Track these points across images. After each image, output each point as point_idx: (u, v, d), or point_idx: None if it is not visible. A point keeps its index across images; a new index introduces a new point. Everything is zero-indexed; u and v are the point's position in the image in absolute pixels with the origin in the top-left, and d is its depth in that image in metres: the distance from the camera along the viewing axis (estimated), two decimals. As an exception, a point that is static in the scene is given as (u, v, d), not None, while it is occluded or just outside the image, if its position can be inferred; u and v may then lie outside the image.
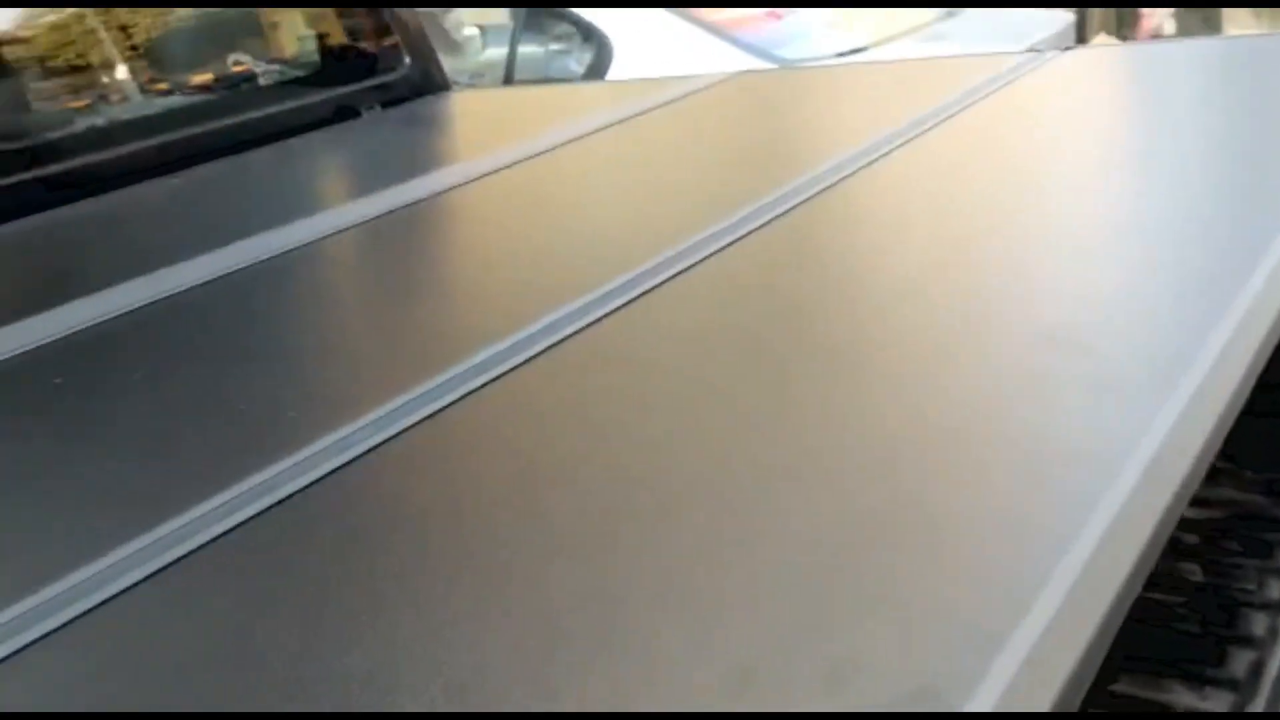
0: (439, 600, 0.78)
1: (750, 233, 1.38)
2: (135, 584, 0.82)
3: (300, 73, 2.74)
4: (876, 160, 1.61)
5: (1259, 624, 1.40)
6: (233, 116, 2.44)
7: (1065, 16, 4.92)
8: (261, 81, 2.64)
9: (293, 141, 2.43)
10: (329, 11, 2.78)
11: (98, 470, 1.04)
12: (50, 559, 0.87)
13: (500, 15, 4.59)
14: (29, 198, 2.02)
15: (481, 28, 4.89)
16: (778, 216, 1.43)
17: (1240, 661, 1.33)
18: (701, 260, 1.31)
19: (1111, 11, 5.46)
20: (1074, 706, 0.65)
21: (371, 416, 1.03)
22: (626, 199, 1.75)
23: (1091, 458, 0.84)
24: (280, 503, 0.90)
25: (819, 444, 0.92)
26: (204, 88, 2.59)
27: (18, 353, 1.32)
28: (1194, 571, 1.49)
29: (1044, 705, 0.62)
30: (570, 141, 2.06)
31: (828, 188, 1.52)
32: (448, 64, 4.28)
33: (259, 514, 0.89)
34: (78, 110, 2.38)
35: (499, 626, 0.73)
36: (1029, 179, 1.54)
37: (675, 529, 0.82)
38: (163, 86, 2.56)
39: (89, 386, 1.23)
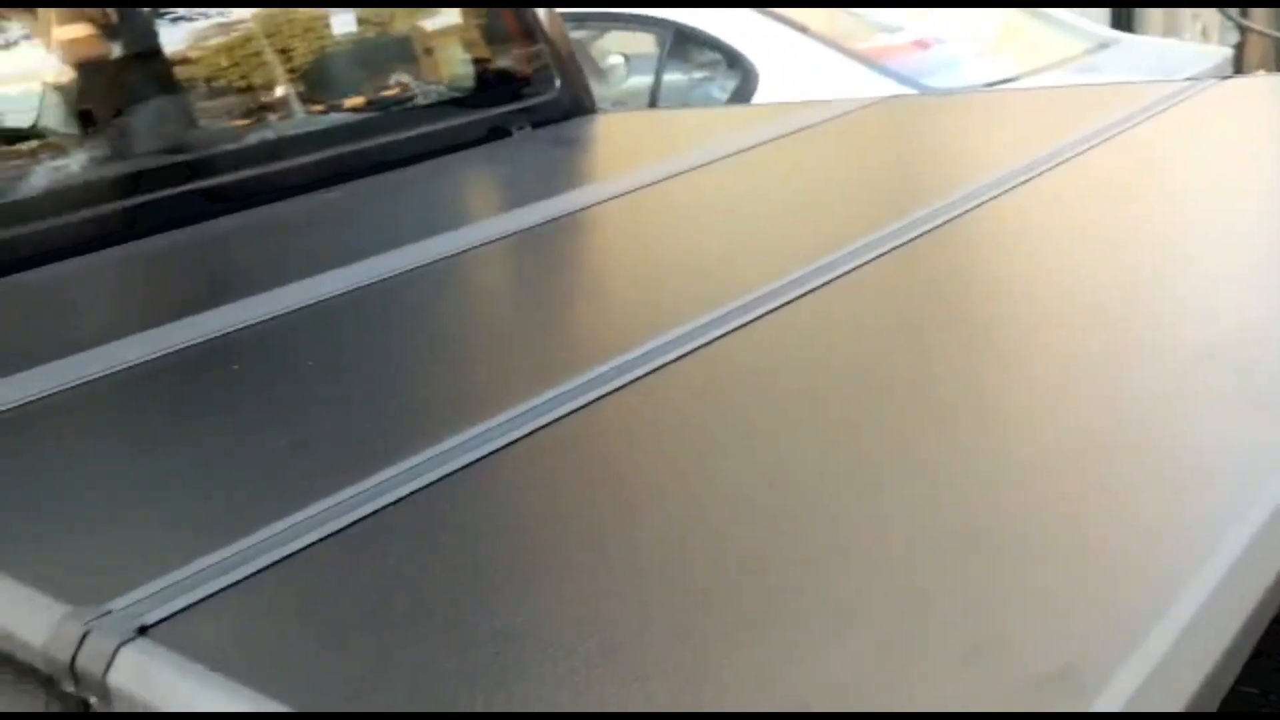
0: (600, 566, 0.81)
1: (905, 243, 1.40)
2: (322, 539, 0.88)
3: (456, 94, 2.83)
4: (1034, 178, 1.61)
5: None
6: (392, 135, 2.55)
7: (1222, 51, 4.80)
8: (419, 102, 2.74)
9: (448, 158, 2.53)
10: (484, 35, 2.88)
11: (282, 441, 1.11)
12: (249, 514, 0.94)
13: (646, 44, 4.67)
14: (205, 206, 2.15)
15: (626, 56, 4.98)
16: (933, 229, 1.44)
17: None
18: (861, 265, 1.34)
19: (1270, 46, 5.30)
20: (1212, 706, 0.65)
21: (532, 403, 1.08)
22: (783, 213, 1.78)
23: (1240, 472, 0.84)
24: (451, 474, 0.96)
25: (976, 446, 0.94)
26: (365, 107, 2.70)
27: (197, 342, 1.40)
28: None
29: (1183, 695, 0.63)
30: (712, 162, 2.10)
31: (985, 202, 1.53)
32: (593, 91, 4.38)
33: (432, 483, 0.95)
34: (249, 127, 2.51)
35: (656, 594, 0.77)
36: (1188, 202, 1.52)
37: (832, 513, 0.85)
38: (325, 106, 2.69)
39: (265, 372, 1.31)
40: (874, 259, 1.38)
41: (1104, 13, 7.89)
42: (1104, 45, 4.72)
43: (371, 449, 1.04)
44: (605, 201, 1.98)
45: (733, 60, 4.16)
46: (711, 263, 1.57)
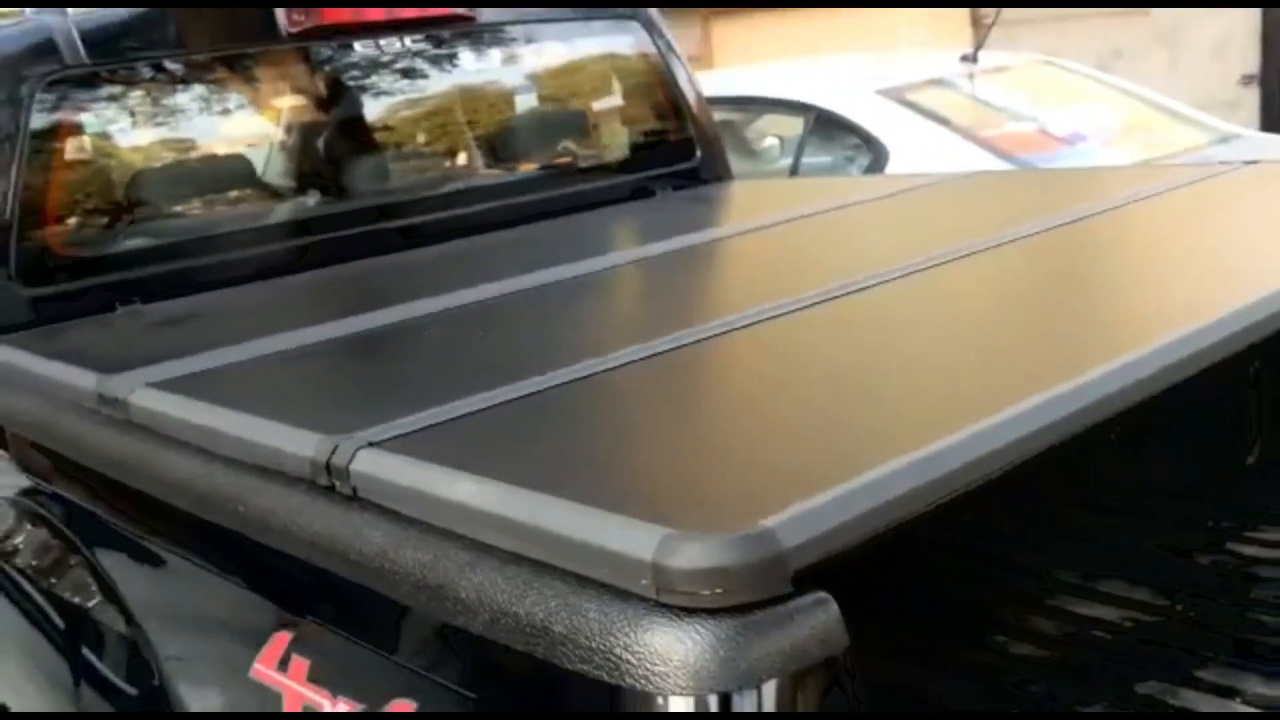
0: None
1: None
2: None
3: (612, 159, 3.42)
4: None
5: None
6: (556, 191, 3.16)
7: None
8: (581, 165, 3.34)
9: (603, 210, 3.11)
10: (638, 111, 3.46)
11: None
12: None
13: (796, 128, 5.19)
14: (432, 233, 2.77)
15: (781, 139, 5.52)
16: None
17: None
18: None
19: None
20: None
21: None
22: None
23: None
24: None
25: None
26: (538, 169, 3.31)
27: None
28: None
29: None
30: (822, 213, 2.60)
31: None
32: (748, 168, 4.93)
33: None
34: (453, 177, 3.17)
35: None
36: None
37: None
38: (505, 166, 3.31)
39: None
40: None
41: (1251, 104, 8.07)
42: (1224, 139, 5.04)
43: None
44: (725, 238, 2.52)
45: (868, 141, 4.65)
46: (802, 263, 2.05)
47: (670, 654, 0.93)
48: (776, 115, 5.13)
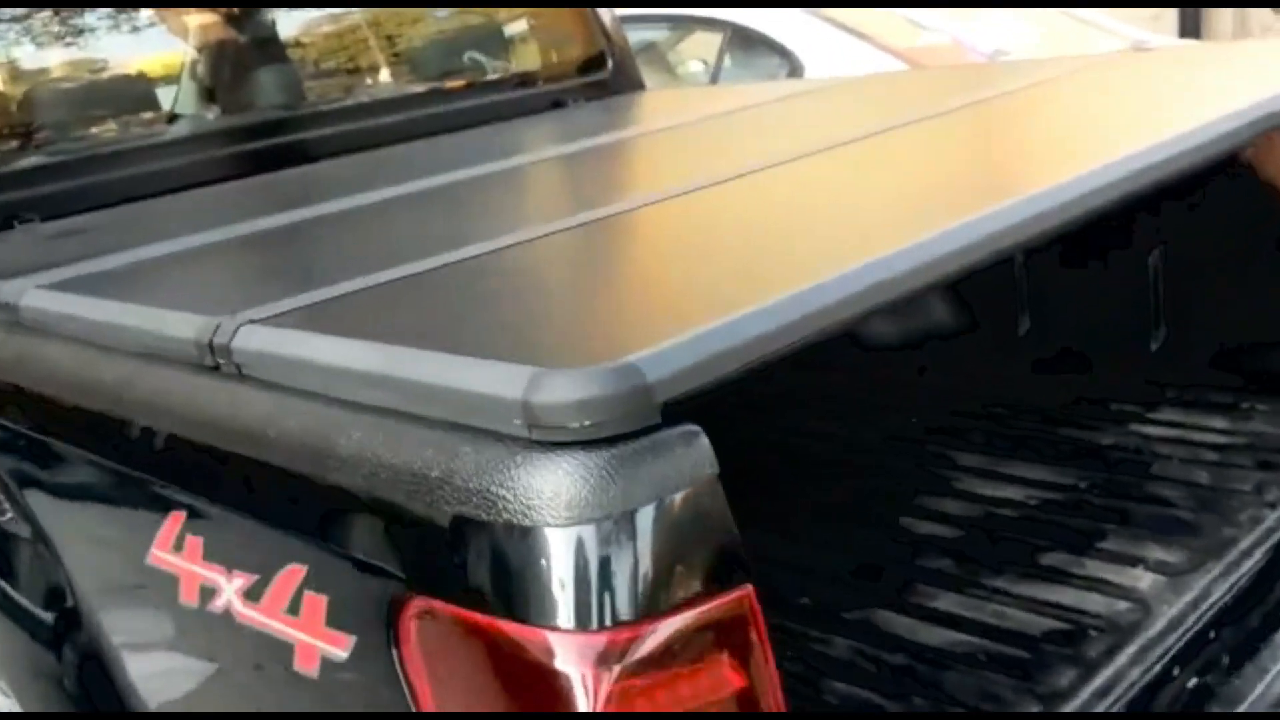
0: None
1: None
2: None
3: (523, 71, 3.39)
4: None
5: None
6: (468, 103, 3.12)
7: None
8: (493, 78, 3.30)
9: (514, 121, 3.08)
10: (550, 24, 3.42)
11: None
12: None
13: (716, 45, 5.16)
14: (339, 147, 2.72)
15: (705, 62, 5.50)
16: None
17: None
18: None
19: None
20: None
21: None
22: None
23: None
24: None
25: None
26: (449, 82, 3.26)
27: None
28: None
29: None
30: (723, 114, 2.60)
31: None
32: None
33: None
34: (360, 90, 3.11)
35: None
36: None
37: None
38: (418, 79, 3.26)
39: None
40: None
41: (1172, 15, 8.15)
42: (1140, 47, 5.08)
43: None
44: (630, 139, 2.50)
45: (784, 56, 4.64)
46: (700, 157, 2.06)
47: (543, 487, 0.94)
48: (696, 33, 5.11)
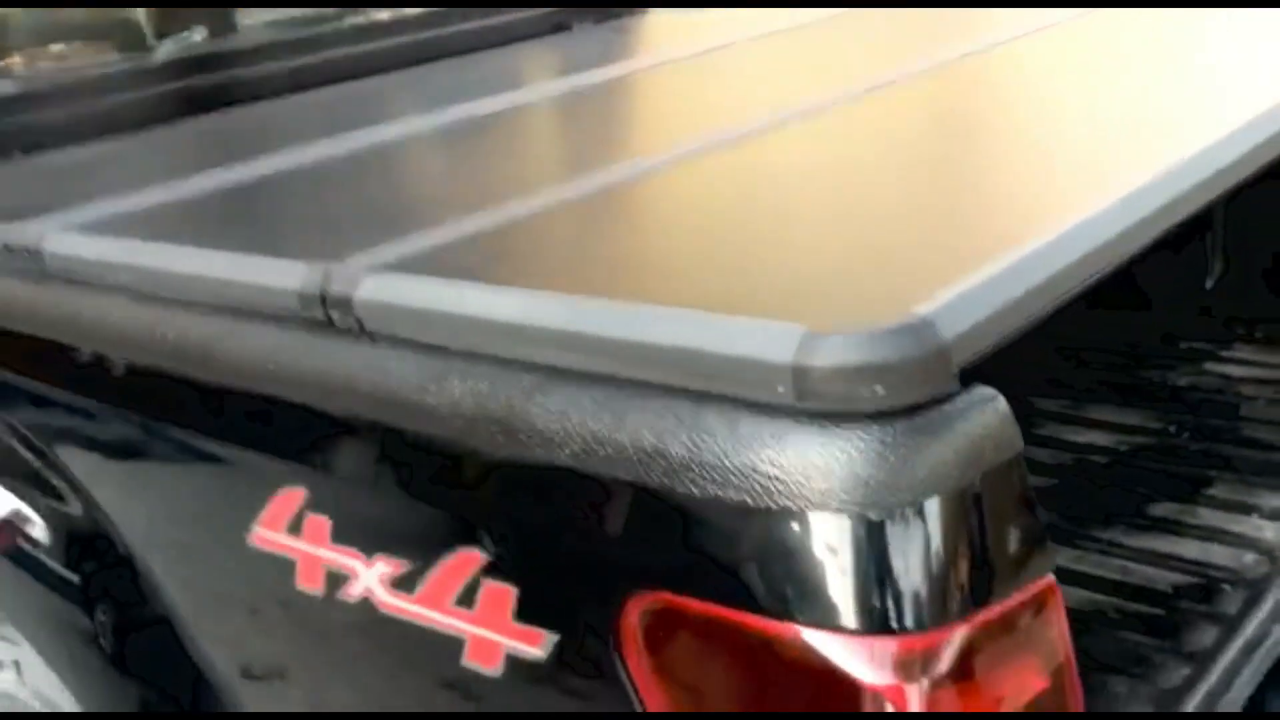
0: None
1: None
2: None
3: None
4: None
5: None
6: (467, 25, 2.91)
7: None
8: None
9: (520, 45, 2.88)
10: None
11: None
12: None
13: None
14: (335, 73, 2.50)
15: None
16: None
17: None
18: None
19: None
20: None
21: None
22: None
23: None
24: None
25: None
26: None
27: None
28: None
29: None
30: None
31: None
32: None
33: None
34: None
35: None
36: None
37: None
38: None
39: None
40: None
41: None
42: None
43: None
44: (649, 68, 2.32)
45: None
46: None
47: (831, 466, 0.79)
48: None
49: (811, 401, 0.81)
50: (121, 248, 1.42)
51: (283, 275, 1.19)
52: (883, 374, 0.80)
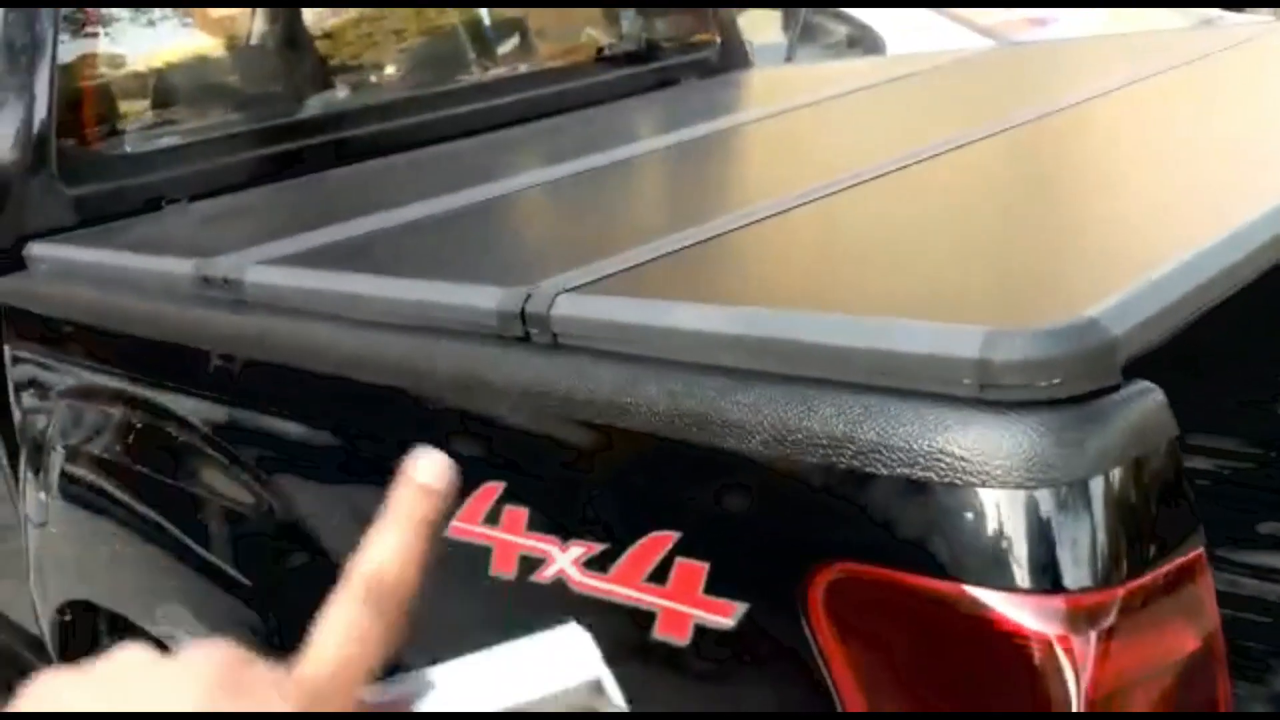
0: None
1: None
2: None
3: (636, 50, 3.36)
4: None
5: None
6: (587, 80, 3.09)
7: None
8: (608, 55, 3.27)
9: (630, 100, 3.05)
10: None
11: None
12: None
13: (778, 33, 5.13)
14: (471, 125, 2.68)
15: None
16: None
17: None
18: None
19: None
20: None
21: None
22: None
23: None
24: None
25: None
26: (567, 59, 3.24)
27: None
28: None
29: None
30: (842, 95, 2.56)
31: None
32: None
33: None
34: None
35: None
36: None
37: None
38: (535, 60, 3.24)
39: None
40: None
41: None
42: (1207, 21, 5.08)
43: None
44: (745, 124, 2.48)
45: (862, 31, 4.62)
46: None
47: (1012, 449, 0.91)
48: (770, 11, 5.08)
49: (993, 392, 0.94)
50: (321, 277, 1.59)
51: (483, 298, 1.35)
52: (1056, 367, 0.92)
